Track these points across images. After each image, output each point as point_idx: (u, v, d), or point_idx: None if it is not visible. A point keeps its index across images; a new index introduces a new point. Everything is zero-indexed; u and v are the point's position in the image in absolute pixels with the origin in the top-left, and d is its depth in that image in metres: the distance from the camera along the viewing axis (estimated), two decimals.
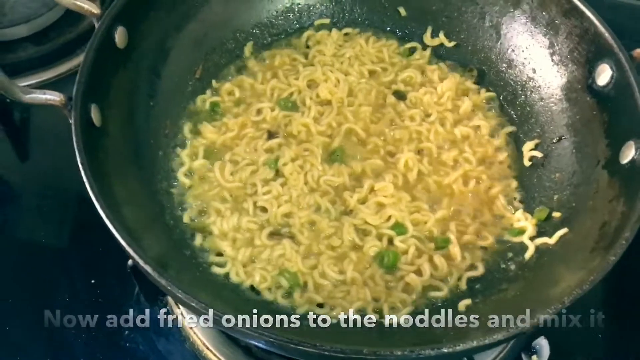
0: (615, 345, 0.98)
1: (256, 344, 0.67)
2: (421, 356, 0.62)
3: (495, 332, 0.66)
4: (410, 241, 0.88)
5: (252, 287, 0.85)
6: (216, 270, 0.85)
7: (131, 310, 0.99)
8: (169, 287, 0.65)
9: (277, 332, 0.64)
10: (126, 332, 0.97)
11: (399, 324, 0.81)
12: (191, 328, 0.97)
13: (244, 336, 0.65)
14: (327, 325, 0.80)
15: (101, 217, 0.71)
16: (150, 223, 0.84)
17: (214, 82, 1.04)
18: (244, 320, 0.63)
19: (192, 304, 0.64)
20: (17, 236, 1.08)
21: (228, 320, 0.63)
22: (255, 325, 0.63)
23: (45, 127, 1.21)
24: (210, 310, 0.63)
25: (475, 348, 0.64)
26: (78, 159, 0.73)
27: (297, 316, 0.80)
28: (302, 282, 0.85)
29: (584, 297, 0.97)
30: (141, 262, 0.66)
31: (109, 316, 0.98)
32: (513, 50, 1.03)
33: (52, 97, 0.78)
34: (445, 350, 0.63)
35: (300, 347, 0.62)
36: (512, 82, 1.03)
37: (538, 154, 0.96)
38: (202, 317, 0.64)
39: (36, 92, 0.78)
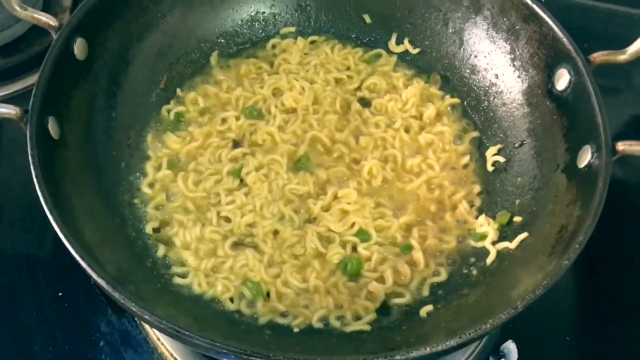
0: (584, 347, 0.99)
1: (216, 357, 0.66)
2: None
3: (451, 339, 0.66)
4: (373, 248, 0.89)
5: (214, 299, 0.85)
6: (178, 281, 0.85)
7: (99, 323, 0.99)
8: (122, 301, 0.65)
9: (232, 343, 0.63)
10: (94, 344, 0.97)
11: (361, 331, 0.81)
12: (158, 339, 0.97)
13: (200, 349, 0.65)
14: (289, 334, 0.80)
15: None
16: (110, 236, 0.83)
17: (178, 91, 1.04)
18: (195, 332, 0.63)
19: (145, 317, 0.64)
20: None
21: (181, 333, 0.62)
22: (207, 337, 0.63)
23: (12, 140, 1.20)
24: (165, 322, 0.63)
25: (429, 355, 0.64)
26: (32, 172, 0.73)
27: (260, 325, 0.81)
28: (265, 291, 0.85)
29: (553, 298, 1.00)
30: (94, 276, 0.66)
31: (75, 329, 0.98)
32: (476, 56, 1.04)
33: (7, 110, 0.77)
34: (398, 358, 0.63)
35: (253, 358, 0.62)
36: (475, 88, 1.04)
37: (501, 158, 0.97)
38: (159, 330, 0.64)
39: None
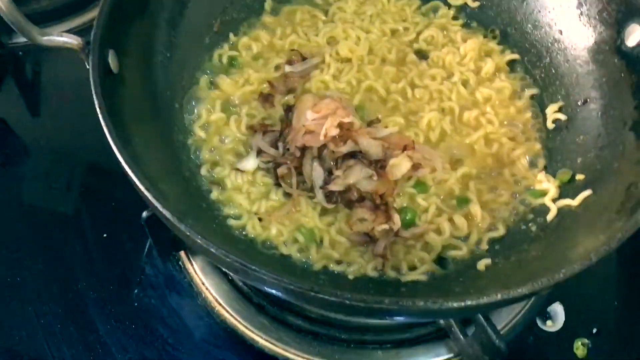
0: (631, 313, 0.97)
1: (276, 293, 0.65)
2: (443, 308, 0.61)
3: (520, 287, 0.64)
4: (431, 199, 0.87)
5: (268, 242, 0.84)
6: (232, 223, 0.84)
7: (143, 266, 0.99)
8: (187, 233, 0.64)
9: (299, 280, 0.62)
10: (138, 286, 0.97)
11: (417, 281, 0.80)
12: (203, 284, 0.97)
13: (267, 285, 0.63)
14: (344, 281, 0.79)
15: (115, 167, 0.70)
16: (167, 174, 0.82)
17: (231, 36, 1.02)
18: (262, 267, 0.62)
19: (212, 250, 0.63)
20: (28, 190, 1.07)
21: (251, 269, 0.61)
22: (274, 273, 0.62)
23: (56, 82, 1.20)
24: (232, 257, 0.62)
25: (498, 302, 0.63)
26: (96, 103, 0.71)
27: (315, 271, 0.80)
28: (319, 238, 0.84)
29: (601, 264, 0.98)
30: (160, 207, 0.65)
31: (121, 270, 0.98)
32: (539, 11, 1.00)
33: (70, 40, 0.76)
34: (467, 303, 0.61)
35: (321, 296, 0.61)
36: (537, 44, 1.00)
37: (562, 116, 0.94)
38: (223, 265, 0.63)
39: (54, 34, 0.76)
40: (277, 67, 0.99)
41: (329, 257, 0.82)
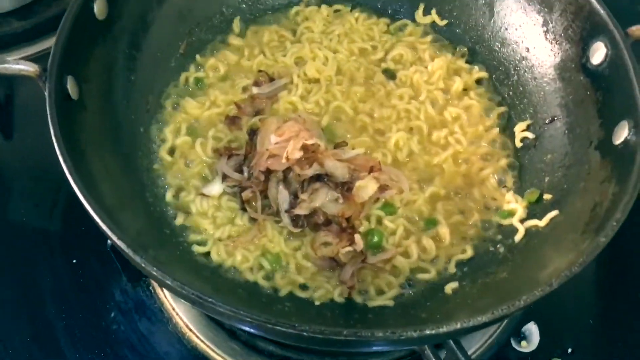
0: (606, 331, 0.97)
1: (237, 325, 0.64)
2: (402, 338, 0.60)
3: (480, 315, 0.64)
4: (399, 221, 0.86)
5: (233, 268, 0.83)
6: (197, 249, 0.83)
7: (113, 291, 0.97)
8: (143, 265, 0.63)
9: (255, 313, 0.61)
10: (108, 312, 0.95)
11: (384, 306, 0.79)
12: (174, 309, 0.96)
13: (224, 317, 0.62)
14: (310, 307, 0.78)
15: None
16: (129, 201, 0.81)
17: (198, 57, 1.01)
18: (222, 300, 0.61)
19: (167, 282, 0.62)
20: None
21: (207, 302, 0.60)
22: (231, 305, 0.61)
23: (29, 104, 1.19)
24: (187, 289, 0.61)
25: (458, 330, 0.62)
26: (52, 132, 0.70)
27: (281, 297, 0.79)
28: (285, 263, 0.83)
29: (576, 281, 0.98)
30: (115, 239, 0.64)
31: (91, 296, 0.97)
32: (506, 29, 1.00)
33: (26, 67, 0.75)
34: (428, 332, 0.61)
35: (278, 328, 0.60)
36: (504, 61, 1.00)
37: (530, 134, 0.94)
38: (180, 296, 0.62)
39: (9, 62, 0.75)
40: (244, 89, 0.99)
41: (294, 282, 0.81)
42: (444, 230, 0.86)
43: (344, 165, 0.86)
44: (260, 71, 1.00)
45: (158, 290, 0.98)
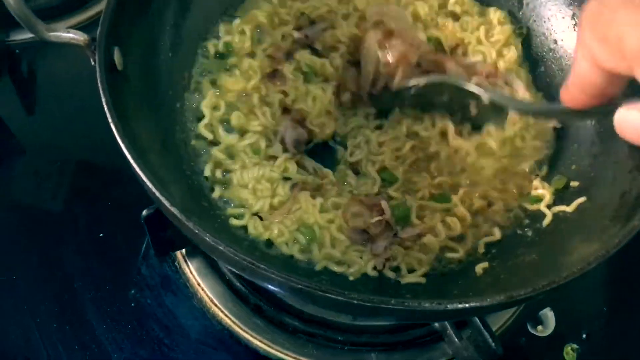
0: (620, 318, 1.00)
1: (283, 292, 0.66)
2: (448, 309, 0.62)
3: (516, 291, 0.66)
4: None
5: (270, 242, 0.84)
6: (234, 222, 0.84)
7: (139, 266, 0.99)
8: (196, 231, 0.64)
9: (306, 280, 0.63)
10: (135, 286, 0.97)
11: (416, 283, 0.81)
12: (199, 285, 0.98)
13: (273, 283, 0.64)
14: (346, 281, 0.80)
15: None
16: (170, 172, 0.82)
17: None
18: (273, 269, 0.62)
19: (220, 249, 0.63)
20: (22, 189, 1.06)
21: (259, 268, 0.62)
22: (285, 274, 0.62)
23: (53, 80, 1.20)
24: (240, 255, 0.62)
25: (495, 305, 0.64)
26: (103, 99, 0.71)
27: (317, 271, 0.81)
28: (319, 236, 0.84)
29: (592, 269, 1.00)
30: (168, 206, 0.65)
31: (117, 270, 0.98)
32: (535, 21, 1.02)
33: (76, 36, 0.76)
34: (471, 305, 0.63)
35: (328, 295, 0.61)
36: (532, 53, 1.02)
37: (556, 124, 0.96)
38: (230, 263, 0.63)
39: (60, 31, 0.76)
40: (283, 37, 0.98)
41: (330, 257, 0.83)
42: (460, 210, 0.87)
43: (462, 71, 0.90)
44: (302, 14, 1.00)
45: (184, 265, 1.00)
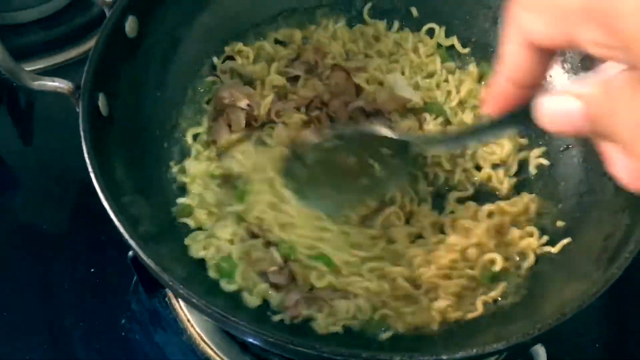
0: (612, 356, 0.98)
1: (255, 343, 0.66)
2: None
3: (497, 342, 0.66)
4: None
5: None
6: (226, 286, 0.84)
7: (130, 301, 0.99)
8: (170, 283, 0.65)
9: (277, 333, 0.63)
10: (123, 321, 0.97)
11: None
12: (188, 321, 0.98)
13: (246, 336, 0.64)
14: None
15: (104, 208, 0.71)
16: (154, 216, 0.83)
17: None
18: (243, 320, 0.63)
19: (193, 300, 0.64)
20: (17, 222, 1.08)
21: (230, 320, 0.62)
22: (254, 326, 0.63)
23: (50, 113, 1.21)
24: (213, 309, 0.63)
25: (472, 357, 0.64)
26: (84, 147, 0.73)
27: None
28: None
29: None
30: (144, 257, 0.66)
31: (107, 305, 0.99)
32: None
33: (61, 84, 0.77)
34: (444, 358, 0.63)
35: (300, 349, 0.62)
36: None
37: (544, 161, 0.96)
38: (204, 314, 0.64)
39: (45, 79, 0.78)
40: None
41: None
42: None
43: None
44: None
45: (173, 301, 1.00)
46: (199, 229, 0.88)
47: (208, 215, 0.87)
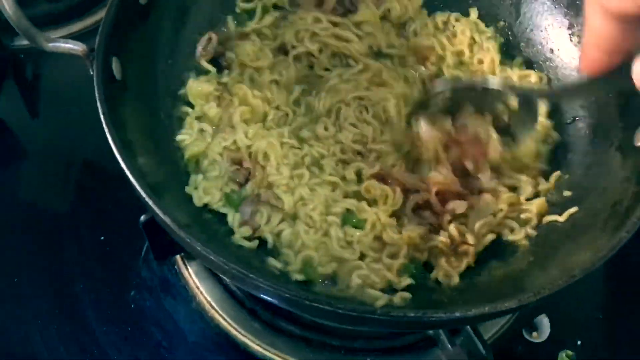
0: (615, 325, 1.00)
1: (271, 300, 0.67)
2: (433, 319, 0.63)
3: (501, 302, 0.66)
4: None
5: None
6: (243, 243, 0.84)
7: (140, 269, 1.00)
8: (188, 240, 0.66)
9: (293, 289, 0.64)
10: (134, 289, 0.98)
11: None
12: (198, 288, 0.99)
13: (261, 292, 0.65)
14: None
15: (113, 170, 0.72)
16: (165, 180, 0.84)
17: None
18: (262, 278, 0.64)
19: (210, 257, 0.65)
20: (25, 191, 1.09)
21: (248, 277, 0.63)
22: (272, 283, 0.64)
23: (56, 85, 1.22)
24: (230, 265, 0.64)
25: (483, 315, 0.65)
26: (100, 110, 0.73)
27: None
28: None
29: (586, 277, 1.00)
30: (161, 215, 0.67)
31: (118, 273, 1.00)
32: (532, 30, 1.03)
33: (75, 46, 0.78)
34: (457, 315, 0.64)
35: (315, 305, 0.63)
36: (528, 62, 1.03)
37: (554, 134, 0.96)
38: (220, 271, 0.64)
39: (59, 41, 0.78)
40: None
41: None
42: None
43: None
44: None
45: (183, 269, 1.01)
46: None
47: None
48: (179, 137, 0.90)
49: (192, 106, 0.95)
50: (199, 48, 0.98)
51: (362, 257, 0.83)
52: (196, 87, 0.94)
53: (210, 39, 0.99)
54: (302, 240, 0.82)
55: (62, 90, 1.21)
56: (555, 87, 0.92)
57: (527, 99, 0.83)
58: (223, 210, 0.85)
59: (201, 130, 0.91)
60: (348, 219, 0.84)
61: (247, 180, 0.86)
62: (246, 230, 0.83)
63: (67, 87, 1.20)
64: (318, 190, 0.85)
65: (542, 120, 0.96)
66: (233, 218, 0.85)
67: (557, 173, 0.91)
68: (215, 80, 0.96)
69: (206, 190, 0.85)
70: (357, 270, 0.80)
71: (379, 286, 0.79)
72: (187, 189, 0.86)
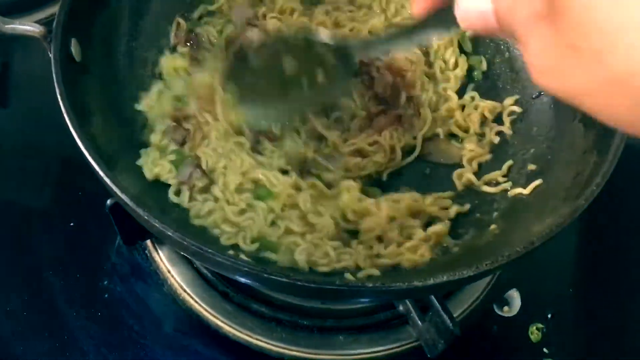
0: (584, 299, 1.01)
1: (231, 276, 0.67)
2: (391, 289, 0.63)
3: (464, 269, 0.67)
4: None
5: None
6: (199, 222, 0.85)
7: (109, 254, 1.00)
8: (145, 217, 0.65)
9: (251, 264, 0.65)
10: (104, 274, 0.98)
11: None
12: (169, 272, 0.99)
13: (221, 268, 0.65)
14: None
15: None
16: (128, 162, 0.84)
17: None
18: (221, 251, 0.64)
19: (168, 233, 0.65)
20: None
21: (207, 252, 0.63)
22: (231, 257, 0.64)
23: (26, 74, 1.20)
24: (188, 240, 0.64)
25: (445, 283, 0.65)
26: (57, 91, 0.73)
27: None
28: None
29: (556, 251, 1.01)
30: (119, 193, 0.66)
31: (87, 259, 0.99)
32: None
33: (32, 28, 0.77)
34: (416, 284, 0.64)
35: (274, 277, 0.63)
36: (497, 39, 1.03)
37: (517, 109, 0.97)
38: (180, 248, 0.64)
39: (16, 23, 0.77)
40: None
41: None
42: None
43: None
44: None
45: (154, 253, 1.01)
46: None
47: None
48: (139, 107, 0.90)
49: None
50: (172, 35, 0.98)
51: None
52: (169, 63, 0.94)
53: (179, 24, 0.99)
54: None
55: (33, 80, 1.19)
56: (385, 34, 0.89)
57: (343, 50, 0.77)
58: (172, 182, 0.85)
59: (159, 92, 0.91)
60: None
61: (184, 141, 0.86)
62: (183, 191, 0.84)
63: (37, 76, 1.19)
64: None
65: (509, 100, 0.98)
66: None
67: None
68: (189, 55, 0.96)
69: (155, 162, 0.85)
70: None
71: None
72: (139, 162, 0.85)
